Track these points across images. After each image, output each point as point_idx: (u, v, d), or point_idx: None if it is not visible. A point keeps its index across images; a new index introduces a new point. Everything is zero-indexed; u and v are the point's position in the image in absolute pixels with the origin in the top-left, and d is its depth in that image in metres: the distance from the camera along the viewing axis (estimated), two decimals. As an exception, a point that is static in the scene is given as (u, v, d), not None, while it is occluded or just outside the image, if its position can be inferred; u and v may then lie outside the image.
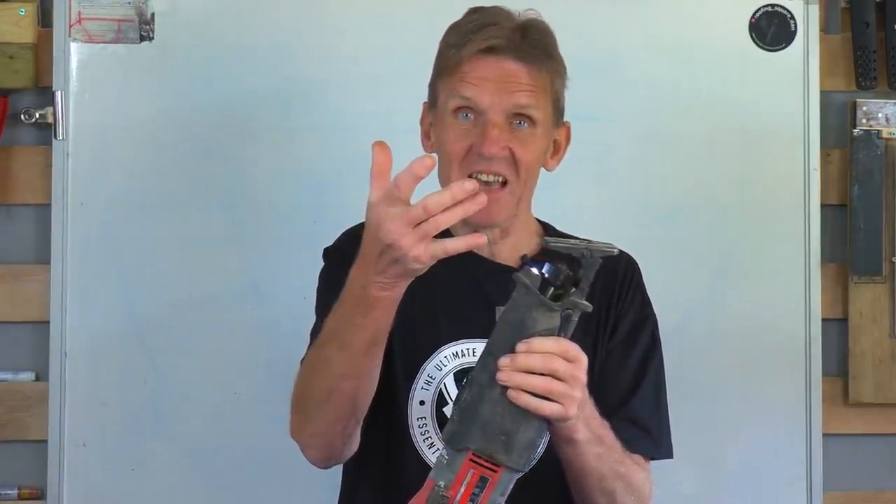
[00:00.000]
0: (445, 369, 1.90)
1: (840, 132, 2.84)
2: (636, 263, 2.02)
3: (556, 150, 1.97)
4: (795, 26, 2.79)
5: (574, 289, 1.63)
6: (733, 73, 2.78)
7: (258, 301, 2.68)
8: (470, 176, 1.84)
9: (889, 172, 2.82)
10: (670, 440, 1.99)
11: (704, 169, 2.77)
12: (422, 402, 1.90)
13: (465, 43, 1.87)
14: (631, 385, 1.94)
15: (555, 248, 1.66)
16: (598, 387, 1.90)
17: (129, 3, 2.68)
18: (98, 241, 2.66)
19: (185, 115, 2.68)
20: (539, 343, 1.61)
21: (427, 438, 1.91)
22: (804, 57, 2.79)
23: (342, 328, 1.69)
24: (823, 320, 2.78)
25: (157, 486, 2.66)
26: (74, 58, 2.67)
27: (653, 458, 1.94)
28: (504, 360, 1.60)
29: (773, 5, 2.79)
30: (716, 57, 2.77)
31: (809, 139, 2.78)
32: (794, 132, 2.78)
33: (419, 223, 1.55)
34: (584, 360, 1.65)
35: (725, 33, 2.78)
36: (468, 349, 1.91)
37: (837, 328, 2.83)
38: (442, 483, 1.62)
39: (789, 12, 2.79)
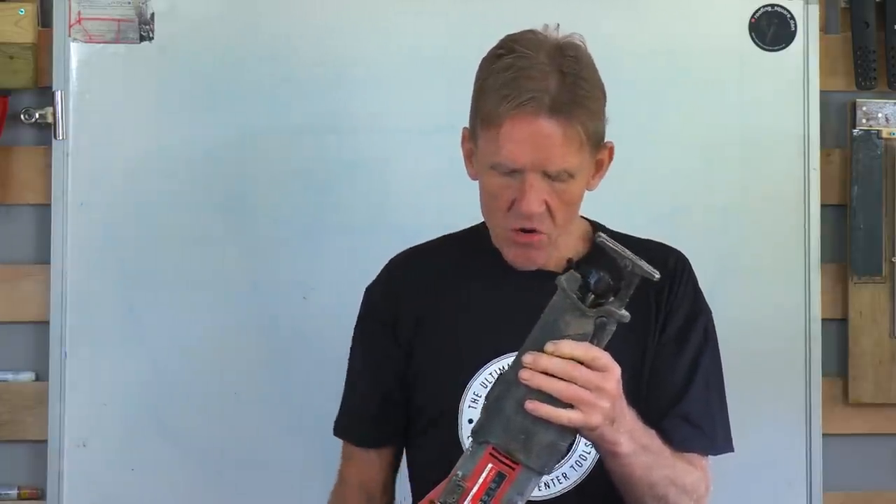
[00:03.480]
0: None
1: (840, 132, 2.84)
2: (686, 259, 2.03)
3: (599, 168, 1.96)
4: (795, 26, 2.79)
5: (613, 297, 1.63)
6: (733, 73, 2.77)
7: (258, 301, 2.68)
8: (514, 230, 1.88)
9: (889, 172, 2.82)
10: (728, 434, 1.99)
11: (704, 169, 2.76)
12: (470, 421, 1.90)
13: (500, 100, 1.85)
14: (684, 382, 1.94)
15: (603, 246, 1.67)
16: (651, 384, 1.92)
17: (129, 3, 2.68)
18: (98, 241, 2.67)
19: (185, 115, 2.68)
20: (567, 346, 1.62)
21: None
22: (804, 57, 2.79)
23: None
24: (823, 320, 2.78)
25: (156, 487, 2.66)
26: (74, 58, 2.67)
27: (710, 454, 1.95)
28: (527, 358, 1.62)
29: (772, 5, 2.78)
30: (716, 57, 2.77)
31: (809, 139, 2.78)
32: (794, 132, 2.78)
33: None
34: (615, 370, 1.65)
35: (725, 33, 2.78)
36: None
37: (837, 328, 2.83)
38: (461, 473, 1.63)
39: (789, 12, 2.79)
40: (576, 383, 1.62)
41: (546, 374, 1.63)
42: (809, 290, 2.77)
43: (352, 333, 2.06)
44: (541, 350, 1.62)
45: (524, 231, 1.89)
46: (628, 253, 1.64)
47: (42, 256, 2.68)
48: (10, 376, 2.70)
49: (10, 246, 2.70)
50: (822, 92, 2.79)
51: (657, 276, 1.64)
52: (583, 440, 1.84)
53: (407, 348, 1.97)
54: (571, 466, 1.91)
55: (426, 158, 2.66)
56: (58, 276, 2.65)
